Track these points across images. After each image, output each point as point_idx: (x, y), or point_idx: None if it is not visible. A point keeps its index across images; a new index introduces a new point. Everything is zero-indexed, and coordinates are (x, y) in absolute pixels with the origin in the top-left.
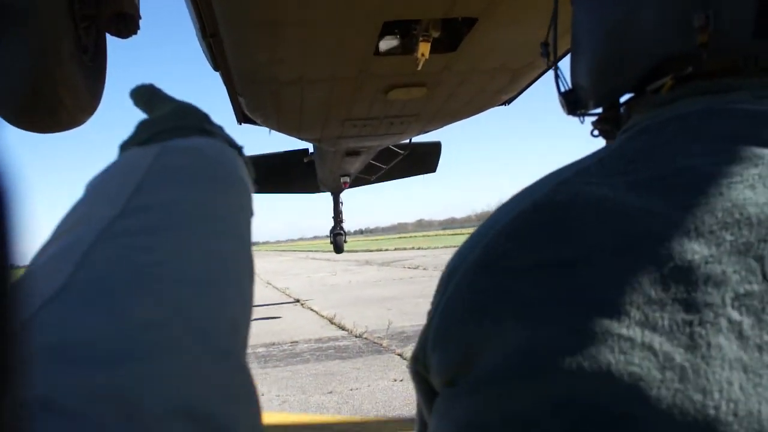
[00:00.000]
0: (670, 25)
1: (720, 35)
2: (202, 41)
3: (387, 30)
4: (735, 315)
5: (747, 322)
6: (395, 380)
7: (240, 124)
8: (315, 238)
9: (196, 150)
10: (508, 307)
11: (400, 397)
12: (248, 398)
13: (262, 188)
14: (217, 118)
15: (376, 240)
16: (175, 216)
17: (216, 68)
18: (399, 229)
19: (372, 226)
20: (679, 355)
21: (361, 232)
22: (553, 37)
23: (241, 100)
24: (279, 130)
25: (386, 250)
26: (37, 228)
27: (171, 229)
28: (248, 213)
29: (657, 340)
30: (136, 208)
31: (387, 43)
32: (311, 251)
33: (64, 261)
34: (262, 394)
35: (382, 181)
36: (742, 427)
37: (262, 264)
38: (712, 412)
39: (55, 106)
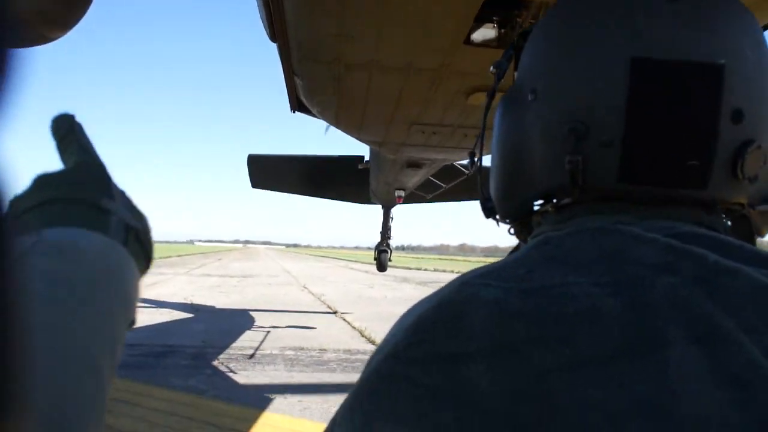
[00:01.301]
0: (550, 165)
1: (588, 176)
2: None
3: (484, 14)
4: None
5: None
6: None
7: (293, 111)
8: (356, 248)
9: (74, 251)
10: (401, 394)
11: None
12: None
13: (312, 191)
14: (266, 103)
15: (417, 258)
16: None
17: (273, 38)
18: (441, 250)
19: (414, 244)
20: None
21: (402, 248)
22: (479, 149)
23: (298, 81)
24: (337, 125)
25: (426, 269)
26: None
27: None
28: (123, 324)
29: None
30: None
31: (481, 32)
32: (351, 260)
33: None
34: (285, 398)
35: (439, 201)
36: None
37: (301, 266)
38: None
39: None
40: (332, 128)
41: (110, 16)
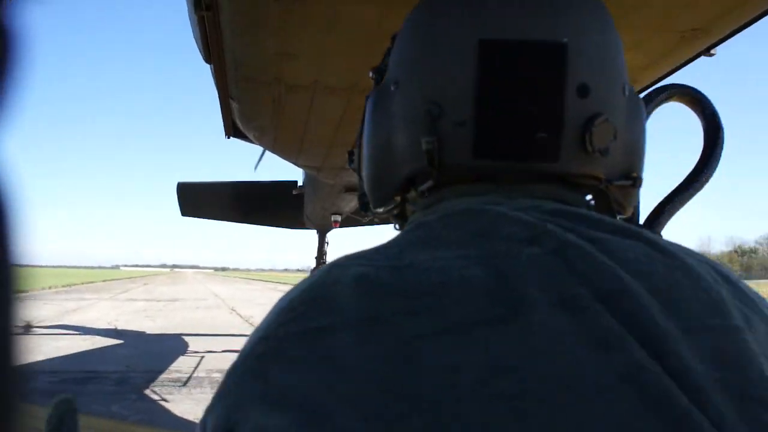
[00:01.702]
0: (410, 149)
1: (446, 156)
2: (193, 16)
3: None
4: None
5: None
6: None
7: (228, 137)
8: (286, 270)
9: None
10: (270, 373)
11: None
12: None
13: (244, 218)
14: (200, 129)
15: None
16: None
17: (207, 59)
18: None
19: None
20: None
21: None
22: (358, 149)
23: (234, 105)
24: (275, 150)
25: None
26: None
27: None
28: None
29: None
30: None
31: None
32: (280, 282)
33: None
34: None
35: (374, 225)
36: None
37: (229, 289)
38: None
39: None
40: (264, 158)
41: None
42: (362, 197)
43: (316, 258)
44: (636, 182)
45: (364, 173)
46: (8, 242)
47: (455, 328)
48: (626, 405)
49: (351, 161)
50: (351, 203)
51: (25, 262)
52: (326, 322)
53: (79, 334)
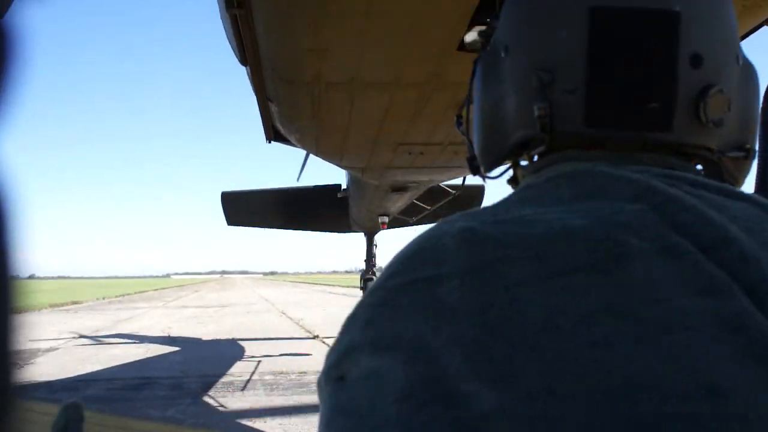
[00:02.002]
0: (522, 115)
1: (557, 122)
2: (226, 17)
3: (479, 17)
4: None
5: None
6: None
7: (269, 141)
8: (334, 272)
9: None
10: (383, 319)
11: None
12: None
13: (290, 224)
14: (242, 133)
15: None
16: None
17: (243, 61)
18: None
19: None
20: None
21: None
22: (467, 113)
23: (273, 108)
24: (317, 153)
25: None
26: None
27: None
28: None
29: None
30: None
31: (476, 35)
32: (328, 285)
33: None
34: (265, 421)
35: (423, 224)
36: None
37: (278, 293)
38: None
39: None
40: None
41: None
42: (472, 161)
43: (365, 261)
44: (749, 154)
45: (474, 138)
46: (7, 252)
47: (557, 275)
48: (726, 350)
49: (459, 124)
50: (398, 203)
51: (79, 275)
52: (433, 272)
53: (134, 343)
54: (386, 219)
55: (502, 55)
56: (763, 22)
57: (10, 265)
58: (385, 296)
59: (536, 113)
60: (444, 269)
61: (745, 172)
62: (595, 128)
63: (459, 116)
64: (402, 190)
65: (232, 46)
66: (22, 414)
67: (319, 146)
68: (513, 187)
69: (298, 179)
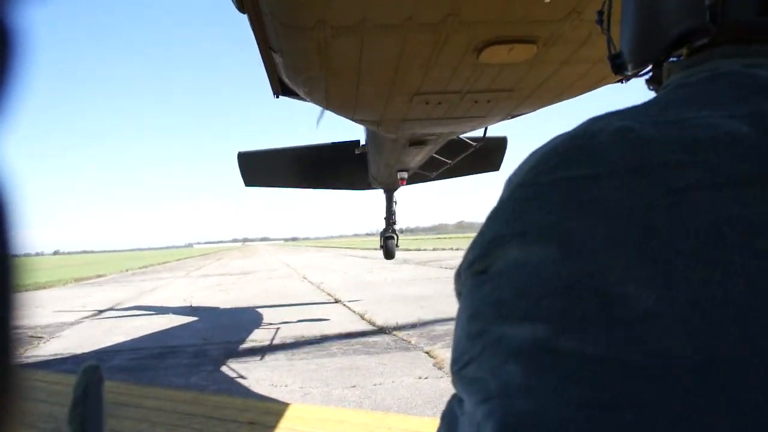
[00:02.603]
0: (687, 4)
1: (728, 13)
2: None
3: None
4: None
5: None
6: (420, 378)
7: (277, 96)
8: (355, 235)
9: None
10: (530, 212)
11: (424, 394)
12: None
13: (308, 183)
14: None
15: (416, 239)
16: None
17: (241, 8)
18: (439, 229)
19: (412, 226)
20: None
21: (401, 231)
22: (608, 7)
23: (278, 58)
24: (329, 106)
25: (425, 249)
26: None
27: None
28: None
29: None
30: None
31: None
32: (350, 248)
33: None
34: (286, 386)
35: (444, 178)
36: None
37: (299, 258)
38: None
39: None
40: (326, 113)
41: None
42: (616, 58)
43: (385, 219)
44: None
45: (627, 32)
46: (8, 236)
47: (723, 184)
48: None
49: (600, 21)
50: (417, 158)
51: (103, 249)
52: (590, 170)
53: (157, 314)
54: (405, 175)
55: None
56: None
57: (11, 245)
58: (535, 191)
59: (707, 1)
60: (601, 167)
61: None
62: None
63: (600, 12)
64: (420, 143)
65: None
66: (26, 389)
67: (330, 99)
68: (653, 88)
69: (317, 126)
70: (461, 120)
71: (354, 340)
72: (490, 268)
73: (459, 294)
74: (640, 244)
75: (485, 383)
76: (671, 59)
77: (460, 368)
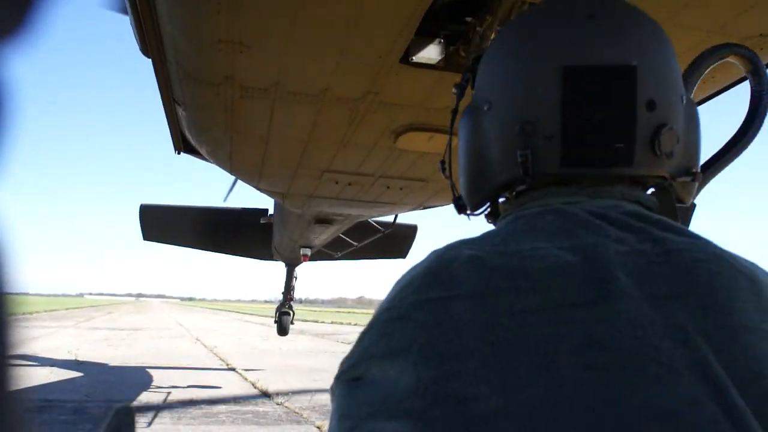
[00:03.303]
0: (506, 160)
1: (537, 165)
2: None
3: (427, 27)
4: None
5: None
6: None
7: (178, 153)
8: (253, 301)
9: None
10: (396, 332)
11: None
12: None
13: (210, 246)
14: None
15: (314, 311)
16: None
17: (146, 52)
18: (339, 303)
19: (312, 297)
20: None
21: (300, 301)
22: (448, 157)
23: (181, 111)
24: (231, 171)
25: (323, 322)
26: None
27: None
28: None
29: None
30: None
31: (425, 50)
32: (247, 313)
33: None
34: None
35: (348, 260)
36: None
37: (194, 319)
38: None
39: None
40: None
41: None
42: (458, 200)
43: (283, 293)
44: (695, 177)
45: (462, 181)
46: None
47: (555, 307)
48: (691, 389)
49: (443, 170)
50: (322, 236)
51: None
52: (445, 293)
53: (39, 365)
54: (309, 252)
55: (485, 108)
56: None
57: None
58: (399, 313)
59: (520, 159)
60: (455, 291)
61: (692, 192)
62: (569, 168)
63: (443, 161)
64: (327, 222)
65: (135, 37)
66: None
67: (234, 163)
68: (490, 221)
69: (225, 199)
70: (372, 204)
71: (245, 409)
72: (363, 376)
73: (332, 395)
74: (490, 355)
75: None
76: (501, 199)
77: None
